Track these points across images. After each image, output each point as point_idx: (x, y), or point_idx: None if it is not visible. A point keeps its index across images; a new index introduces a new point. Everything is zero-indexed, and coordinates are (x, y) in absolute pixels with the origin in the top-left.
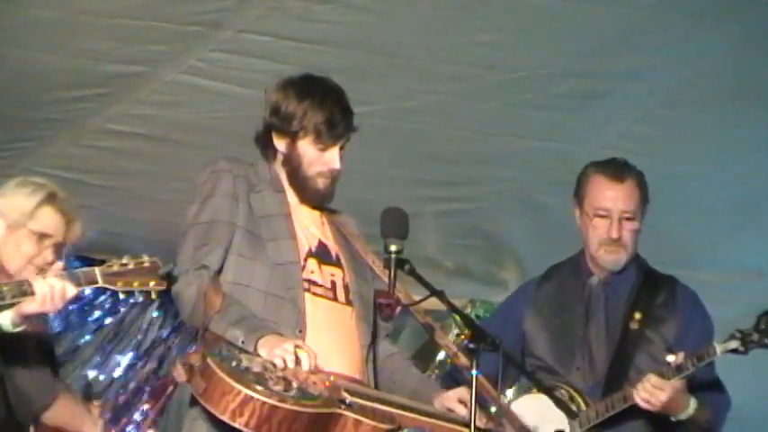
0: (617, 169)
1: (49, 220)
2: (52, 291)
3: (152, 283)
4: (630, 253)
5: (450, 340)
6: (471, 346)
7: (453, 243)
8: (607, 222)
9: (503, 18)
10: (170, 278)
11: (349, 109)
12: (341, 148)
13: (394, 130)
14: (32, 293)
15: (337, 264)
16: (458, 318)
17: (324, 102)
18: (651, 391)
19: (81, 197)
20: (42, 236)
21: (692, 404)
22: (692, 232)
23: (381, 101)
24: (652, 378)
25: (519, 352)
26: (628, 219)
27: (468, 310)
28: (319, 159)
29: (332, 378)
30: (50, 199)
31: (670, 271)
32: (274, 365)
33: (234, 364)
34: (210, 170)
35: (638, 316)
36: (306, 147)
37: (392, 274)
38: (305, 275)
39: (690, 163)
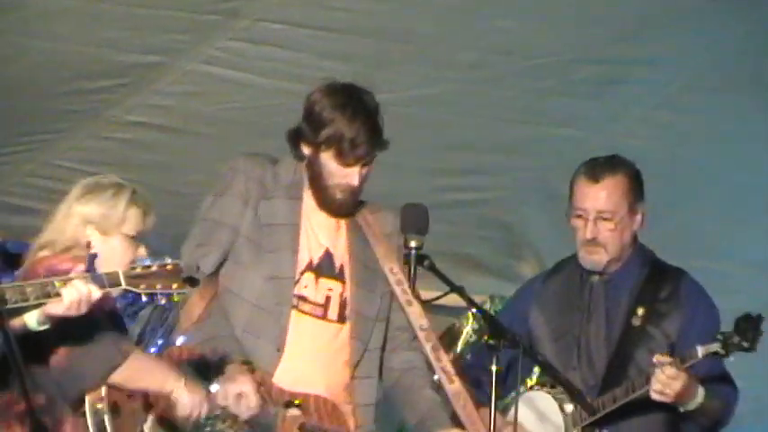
0: (595, 169)
1: (138, 220)
2: (79, 296)
3: (174, 286)
4: (614, 253)
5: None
6: (491, 342)
7: (471, 234)
8: (583, 223)
9: (520, 5)
10: (192, 281)
11: (377, 130)
12: (364, 165)
13: (410, 119)
14: (57, 294)
15: (339, 277)
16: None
17: (352, 121)
18: (666, 382)
19: None
20: (135, 236)
21: (701, 394)
22: (708, 220)
23: (398, 89)
24: (667, 369)
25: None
26: (604, 219)
27: (487, 306)
28: (339, 172)
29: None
30: (134, 198)
31: (685, 261)
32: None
33: None
34: (230, 166)
35: (640, 312)
36: (327, 159)
37: (412, 271)
38: (297, 291)
39: (707, 150)
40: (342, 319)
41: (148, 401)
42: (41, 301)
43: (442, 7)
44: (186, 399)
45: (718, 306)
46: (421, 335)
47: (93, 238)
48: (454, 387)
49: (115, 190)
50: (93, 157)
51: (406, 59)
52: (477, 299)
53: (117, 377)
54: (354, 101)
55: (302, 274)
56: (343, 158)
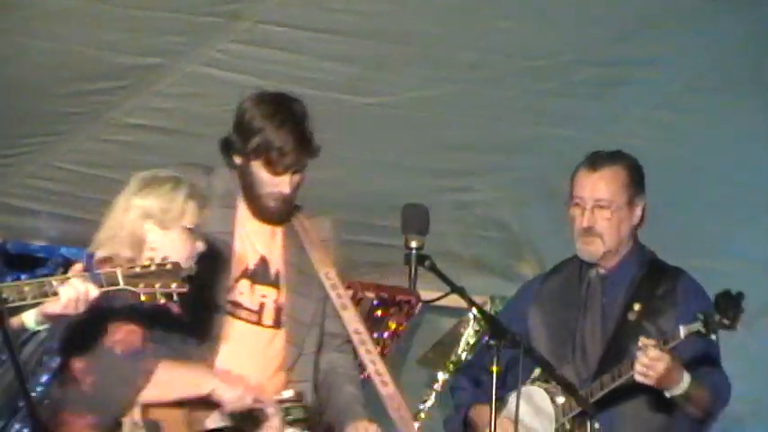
0: (595, 159)
1: (195, 213)
2: (77, 294)
3: (173, 285)
4: (611, 244)
5: None
6: (492, 342)
7: (472, 234)
8: (581, 211)
9: (520, 5)
10: (191, 281)
11: (306, 138)
12: (295, 173)
13: (411, 120)
14: (54, 294)
15: (274, 283)
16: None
17: (279, 130)
18: (649, 364)
19: (100, 192)
20: (194, 228)
21: (686, 379)
22: (709, 220)
23: (399, 90)
24: (650, 350)
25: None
26: (601, 207)
27: (488, 307)
28: (270, 181)
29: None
30: (191, 191)
31: (686, 260)
32: None
33: None
34: None
35: (637, 307)
36: (258, 168)
37: (413, 271)
38: (232, 297)
39: (708, 150)
40: (277, 324)
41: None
42: (39, 300)
43: (442, 8)
44: (228, 394)
45: None
46: (355, 338)
47: (151, 233)
48: (388, 390)
49: (174, 183)
50: (94, 158)
51: (407, 61)
52: (478, 299)
53: (148, 396)
54: (283, 109)
55: (237, 281)
56: (273, 167)
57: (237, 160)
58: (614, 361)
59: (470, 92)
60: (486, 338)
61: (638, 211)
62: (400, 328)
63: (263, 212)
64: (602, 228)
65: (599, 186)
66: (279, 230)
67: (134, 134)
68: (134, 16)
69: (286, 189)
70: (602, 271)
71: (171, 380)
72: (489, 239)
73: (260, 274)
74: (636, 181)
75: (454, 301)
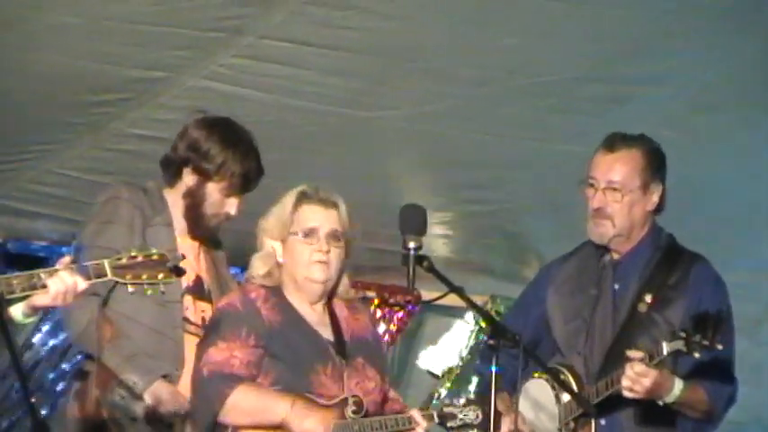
0: (613, 140)
1: (307, 215)
2: (65, 286)
3: (160, 276)
4: (621, 227)
5: None
6: (491, 342)
7: (476, 243)
8: (593, 192)
9: (525, 22)
10: (178, 271)
11: (261, 167)
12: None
13: (416, 134)
14: (43, 286)
15: (209, 299)
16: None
17: (246, 157)
18: (635, 379)
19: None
20: (308, 233)
21: (678, 386)
22: (716, 233)
23: (403, 105)
24: (636, 366)
25: (542, 332)
26: (613, 189)
27: (488, 306)
28: (221, 203)
29: None
30: (301, 197)
31: None
32: None
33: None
34: (113, 195)
35: (647, 298)
36: (214, 189)
37: (411, 271)
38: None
39: (712, 166)
40: None
41: None
42: (28, 293)
43: (446, 25)
44: (297, 424)
45: None
46: None
47: (276, 249)
48: None
49: (287, 196)
50: (96, 166)
51: (411, 76)
52: (480, 299)
53: (224, 419)
54: (242, 138)
55: (183, 296)
56: (233, 191)
57: (190, 180)
58: (620, 355)
59: (473, 107)
60: (486, 338)
61: (654, 197)
62: (400, 327)
63: (203, 231)
64: (613, 210)
65: (613, 168)
66: (202, 249)
67: (135, 143)
68: (138, 31)
69: (233, 211)
70: (615, 256)
71: (244, 406)
72: (493, 247)
73: (198, 290)
74: (653, 166)
75: (454, 300)
